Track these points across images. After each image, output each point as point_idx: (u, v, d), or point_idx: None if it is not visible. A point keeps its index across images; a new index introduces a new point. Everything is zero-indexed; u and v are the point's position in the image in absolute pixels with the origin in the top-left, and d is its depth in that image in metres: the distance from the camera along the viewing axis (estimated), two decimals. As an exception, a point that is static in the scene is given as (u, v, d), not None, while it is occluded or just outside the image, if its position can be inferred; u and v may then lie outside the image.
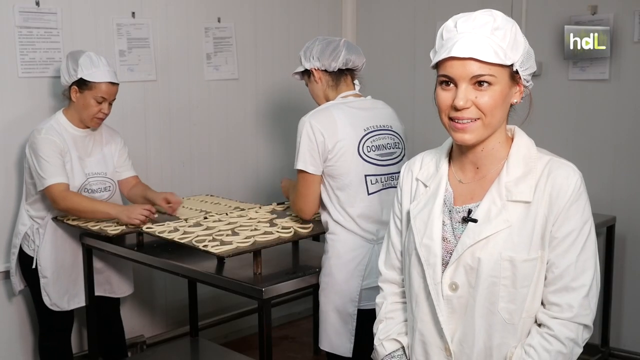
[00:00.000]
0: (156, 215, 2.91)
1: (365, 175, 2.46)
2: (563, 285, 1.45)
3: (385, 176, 2.50)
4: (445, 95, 1.48)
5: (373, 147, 2.49)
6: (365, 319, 2.35)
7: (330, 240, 2.49)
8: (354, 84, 2.63)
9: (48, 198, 2.88)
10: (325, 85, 2.58)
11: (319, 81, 2.58)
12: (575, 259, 1.45)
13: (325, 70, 2.56)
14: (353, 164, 2.44)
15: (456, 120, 1.47)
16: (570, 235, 1.46)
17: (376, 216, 2.46)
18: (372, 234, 2.45)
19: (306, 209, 2.53)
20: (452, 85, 1.46)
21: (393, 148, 2.55)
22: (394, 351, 1.66)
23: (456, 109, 1.45)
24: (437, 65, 1.49)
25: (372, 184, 2.47)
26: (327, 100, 2.59)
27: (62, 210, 2.91)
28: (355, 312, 2.43)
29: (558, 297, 1.46)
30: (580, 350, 1.49)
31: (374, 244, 2.45)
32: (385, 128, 2.55)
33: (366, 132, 2.49)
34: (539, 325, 1.49)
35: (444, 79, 1.47)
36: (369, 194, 2.46)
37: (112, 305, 3.25)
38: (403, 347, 1.66)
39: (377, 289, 1.78)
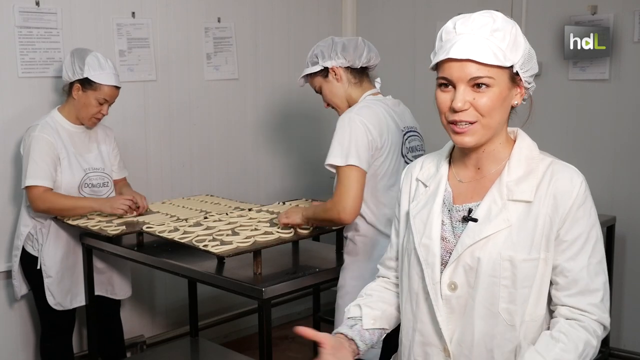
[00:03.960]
0: (136, 207, 2.98)
1: None
2: (579, 289, 1.44)
3: None
4: (444, 97, 1.47)
5: (410, 149, 2.42)
6: None
7: (362, 243, 2.42)
8: (372, 82, 2.52)
9: (27, 199, 2.88)
10: (347, 84, 2.46)
11: (340, 79, 2.46)
12: (587, 263, 1.44)
13: (348, 68, 2.45)
14: (397, 164, 2.36)
15: (455, 124, 1.46)
16: (579, 239, 1.45)
17: None
18: None
19: (351, 209, 2.26)
20: (450, 87, 1.45)
21: (421, 150, 2.48)
22: (353, 317, 1.62)
23: (454, 111, 1.44)
24: (436, 67, 1.48)
25: None
26: (349, 100, 2.47)
27: (41, 212, 2.90)
28: None
29: (577, 300, 1.44)
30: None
31: None
32: (414, 129, 2.48)
33: (404, 132, 2.41)
34: (565, 318, 1.45)
35: (442, 80, 1.46)
36: None
37: (112, 305, 3.25)
38: (361, 318, 1.61)
39: None
